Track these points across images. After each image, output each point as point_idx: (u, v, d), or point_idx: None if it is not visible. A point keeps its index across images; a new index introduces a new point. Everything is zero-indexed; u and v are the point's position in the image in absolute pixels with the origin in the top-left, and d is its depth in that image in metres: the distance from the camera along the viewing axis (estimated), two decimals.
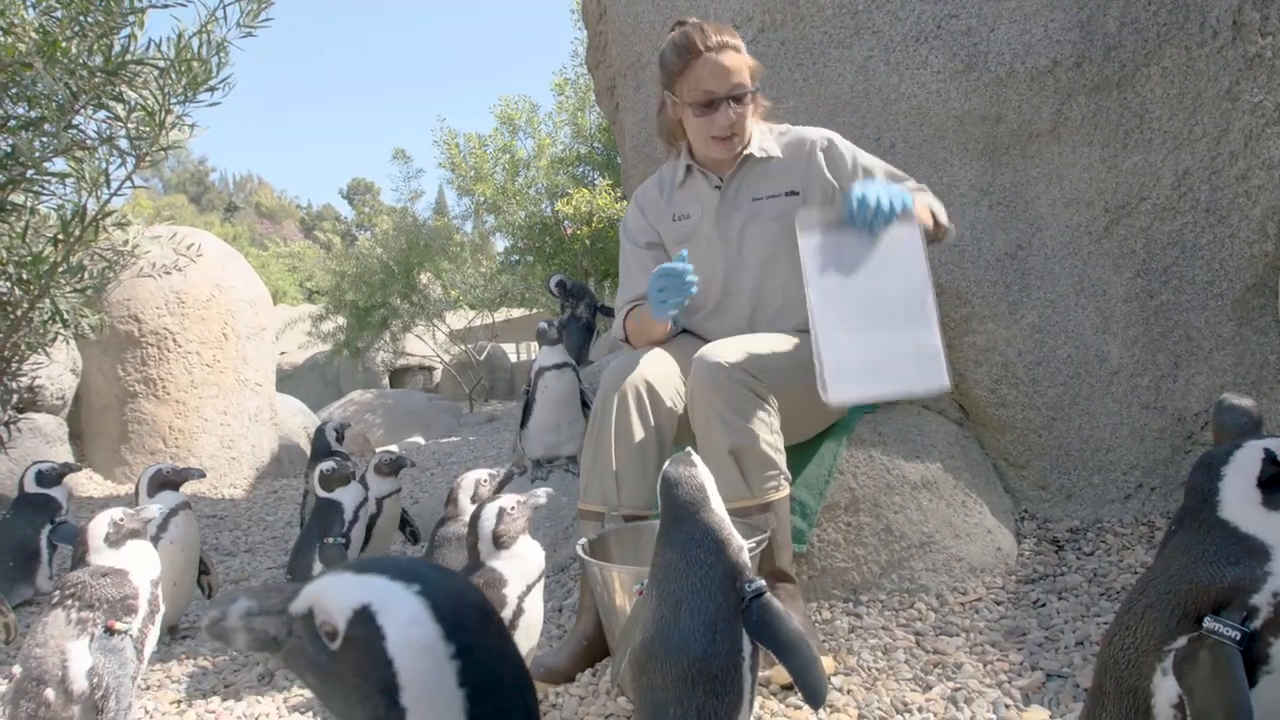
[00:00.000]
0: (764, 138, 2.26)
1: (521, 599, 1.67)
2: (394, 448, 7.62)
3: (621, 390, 2.06)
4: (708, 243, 2.25)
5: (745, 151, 2.22)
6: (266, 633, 0.69)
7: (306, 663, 0.67)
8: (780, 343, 2.08)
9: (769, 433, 1.95)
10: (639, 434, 2.05)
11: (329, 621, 0.64)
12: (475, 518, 1.71)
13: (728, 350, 1.97)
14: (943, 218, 2.16)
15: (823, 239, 1.89)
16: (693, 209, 2.29)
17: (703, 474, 1.57)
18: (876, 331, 1.85)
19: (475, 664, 0.60)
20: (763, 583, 1.44)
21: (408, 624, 0.60)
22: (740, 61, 2.12)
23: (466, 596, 0.64)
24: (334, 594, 0.65)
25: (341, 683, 0.64)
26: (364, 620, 0.61)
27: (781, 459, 1.97)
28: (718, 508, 1.53)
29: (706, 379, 1.93)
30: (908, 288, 1.87)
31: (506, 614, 1.64)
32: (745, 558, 1.47)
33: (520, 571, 1.68)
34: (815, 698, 1.37)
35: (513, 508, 1.71)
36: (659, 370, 2.11)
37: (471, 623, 0.62)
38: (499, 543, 1.68)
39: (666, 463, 1.59)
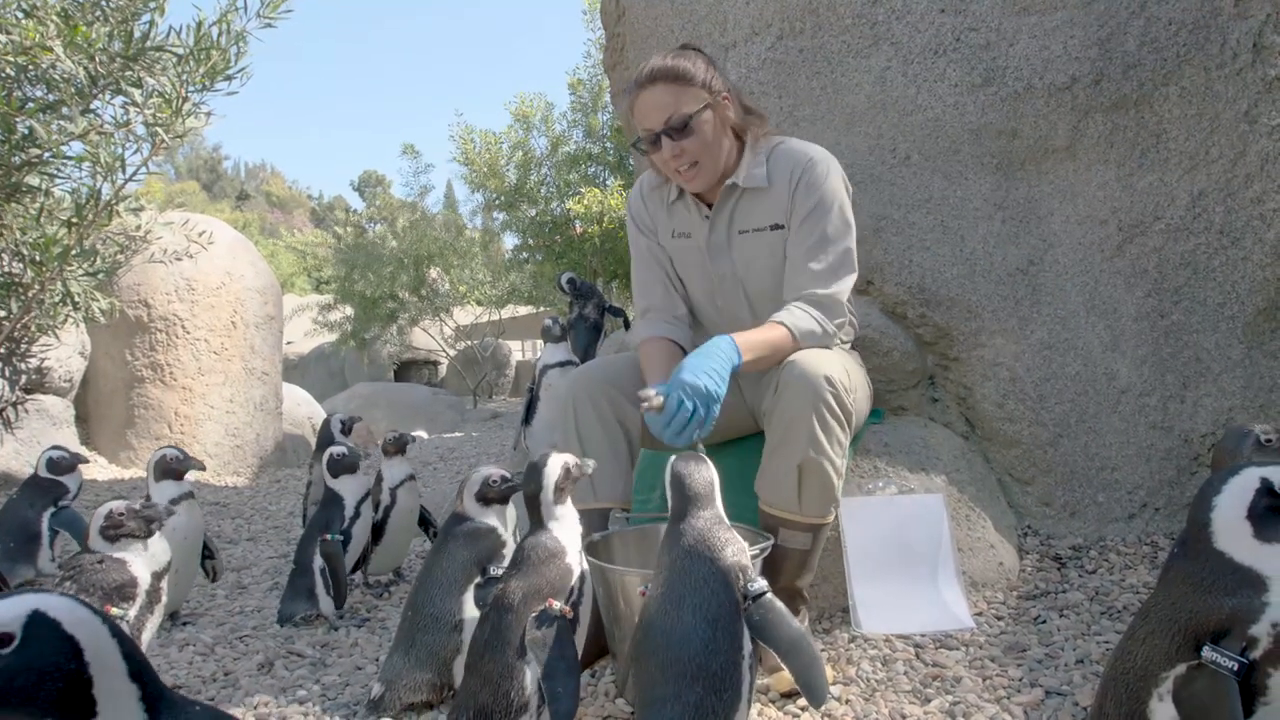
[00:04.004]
0: (753, 162, 2.08)
1: (582, 569, 1.66)
2: None
3: (577, 393, 2.13)
4: (701, 270, 2.20)
5: (729, 181, 2.08)
6: None
7: None
8: (854, 365, 2.07)
9: (840, 458, 1.90)
10: (604, 431, 2.10)
11: (5, 631, 0.79)
12: (538, 467, 1.70)
13: (827, 364, 1.87)
14: (775, 351, 1.93)
15: (860, 501, 2.26)
16: (690, 229, 2.20)
17: (710, 472, 1.59)
18: (903, 579, 2.17)
19: (122, 636, 0.87)
20: (765, 583, 1.45)
21: (72, 609, 0.82)
22: (675, 92, 1.97)
23: (85, 604, 0.86)
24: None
25: (14, 680, 0.78)
26: (38, 619, 0.80)
27: (840, 486, 1.93)
28: (720, 507, 1.56)
29: (806, 389, 1.84)
30: (930, 548, 2.22)
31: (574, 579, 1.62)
32: (747, 558, 1.49)
33: (570, 537, 1.68)
34: (817, 696, 1.39)
35: (575, 465, 1.72)
36: (621, 369, 2.14)
37: (100, 613, 0.86)
38: (559, 497, 1.68)
39: (673, 458, 1.60)
